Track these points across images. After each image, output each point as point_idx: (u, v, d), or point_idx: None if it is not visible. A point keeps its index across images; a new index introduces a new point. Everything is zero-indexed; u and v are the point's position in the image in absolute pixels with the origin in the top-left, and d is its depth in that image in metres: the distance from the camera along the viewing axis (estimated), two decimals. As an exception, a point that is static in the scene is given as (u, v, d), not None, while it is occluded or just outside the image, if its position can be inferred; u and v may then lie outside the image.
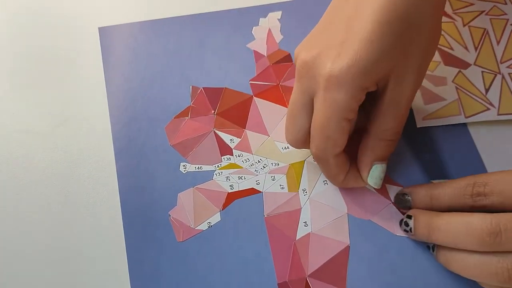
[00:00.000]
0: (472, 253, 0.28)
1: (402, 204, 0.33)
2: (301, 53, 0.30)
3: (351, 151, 0.32)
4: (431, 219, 0.30)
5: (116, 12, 0.42)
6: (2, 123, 0.37)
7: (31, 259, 0.33)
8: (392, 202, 0.34)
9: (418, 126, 0.36)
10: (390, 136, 0.31)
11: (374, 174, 0.31)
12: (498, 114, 0.36)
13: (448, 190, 0.30)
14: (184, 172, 0.35)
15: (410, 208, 0.32)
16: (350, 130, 0.31)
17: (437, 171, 0.35)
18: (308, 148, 0.32)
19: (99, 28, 0.41)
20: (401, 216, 0.33)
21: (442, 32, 0.39)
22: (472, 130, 0.36)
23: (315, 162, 0.35)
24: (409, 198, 0.32)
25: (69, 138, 0.37)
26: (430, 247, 0.31)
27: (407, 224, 0.31)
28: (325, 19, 0.32)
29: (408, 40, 0.28)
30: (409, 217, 0.31)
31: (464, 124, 0.36)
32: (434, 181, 0.32)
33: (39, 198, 0.34)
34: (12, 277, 0.32)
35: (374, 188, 0.34)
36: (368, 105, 0.31)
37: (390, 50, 0.28)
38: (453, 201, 0.29)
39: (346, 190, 0.34)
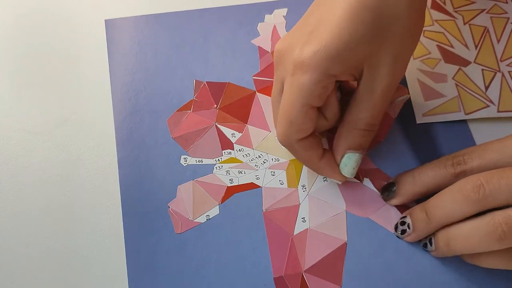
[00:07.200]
0: (466, 221, 0.27)
1: (386, 191, 0.32)
2: (276, 45, 0.31)
3: None
4: (423, 204, 0.30)
5: (122, 5, 0.40)
6: (2, 123, 0.36)
7: (31, 254, 0.32)
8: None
9: (418, 122, 0.35)
10: (363, 126, 0.30)
11: (346, 163, 0.30)
12: (498, 111, 0.35)
13: (429, 166, 0.30)
14: (184, 165, 0.34)
15: (394, 197, 0.31)
16: (332, 120, 0.30)
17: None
18: None
19: (105, 20, 0.40)
20: (399, 215, 0.32)
21: (443, 30, 0.38)
22: (472, 127, 0.35)
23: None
24: (394, 187, 0.31)
25: (72, 132, 0.35)
26: (427, 242, 0.30)
27: (403, 223, 0.30)
28: (302, 19, 0.31)
29: (380, 30, 0.27)
30: (404, 218, 0.31)
31: (464, 121, 0.35)
32: None
33: (39, 198, 0.33)
34: (12, 276, 0.31)
35: (375, 188, 0.33)
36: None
37: (361, 39, 0.27)
38: (436, 174, 0.30)
39: (345, 187, 0.33)
